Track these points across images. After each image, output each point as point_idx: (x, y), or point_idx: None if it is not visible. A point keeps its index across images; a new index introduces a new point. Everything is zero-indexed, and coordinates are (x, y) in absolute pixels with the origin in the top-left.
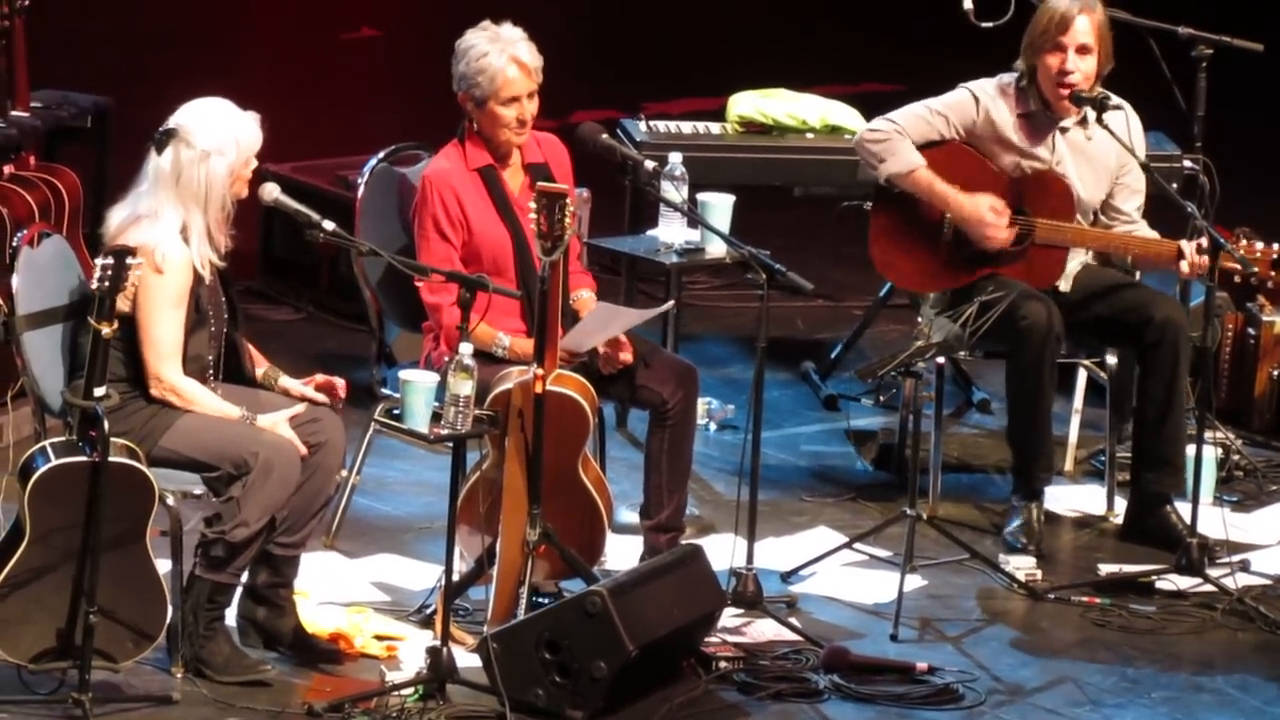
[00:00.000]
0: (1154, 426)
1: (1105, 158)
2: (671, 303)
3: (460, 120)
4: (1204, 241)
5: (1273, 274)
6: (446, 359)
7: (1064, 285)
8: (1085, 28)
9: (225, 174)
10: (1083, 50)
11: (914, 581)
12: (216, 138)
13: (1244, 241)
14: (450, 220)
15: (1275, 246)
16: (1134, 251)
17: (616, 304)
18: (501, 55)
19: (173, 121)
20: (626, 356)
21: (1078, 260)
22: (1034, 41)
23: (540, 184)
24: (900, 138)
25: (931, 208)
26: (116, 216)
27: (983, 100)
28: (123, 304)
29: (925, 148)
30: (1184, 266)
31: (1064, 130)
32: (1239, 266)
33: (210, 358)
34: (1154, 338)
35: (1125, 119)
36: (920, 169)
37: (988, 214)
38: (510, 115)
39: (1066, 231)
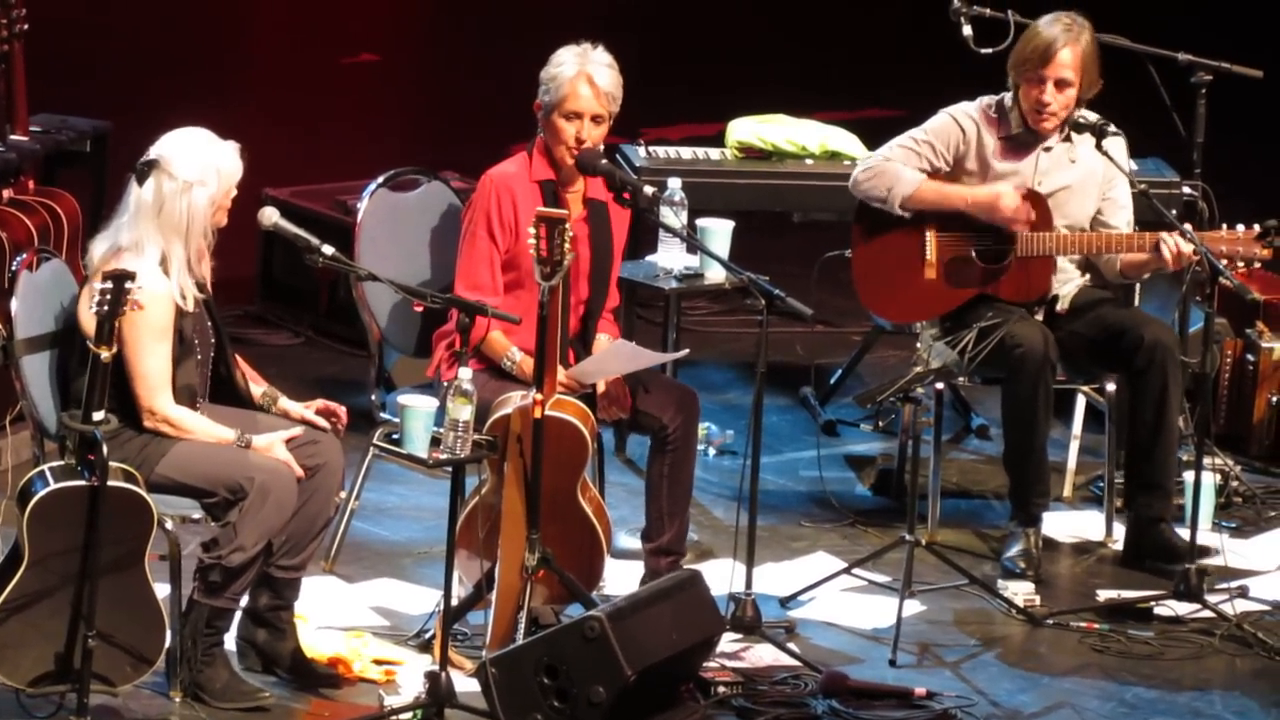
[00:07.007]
0: (1145, 450)
1: (1091, 174)
2: (686, 350)
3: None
4: (1188, 226)
5: (1258, 250)
6: (446, 384)
7: (1061, 306)
8: (1067, 61)
9: (206, 204)
10: (1061, 84)
11: (913, 607)
12: (198, 168)
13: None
14: (501, 223)
15: (1256, 227)
16: (1115, 249)
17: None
18: (576, 69)
19: (153, 152)
20: (622, 413)
21: (1074, 283)
22: (1018, 64)
23: (539, 209)
24: (892, 164)
25: (908, 236)
26: (99, 248)
27: (965, 124)
28: None
29: None
30: (1165, 253)
31: (1048, 149)
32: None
33: (199, 385)
34: (1143, 362)
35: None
36: (924, 181)
37: (1004, 189)
38: (569, 130)
39: (1047, 239)
